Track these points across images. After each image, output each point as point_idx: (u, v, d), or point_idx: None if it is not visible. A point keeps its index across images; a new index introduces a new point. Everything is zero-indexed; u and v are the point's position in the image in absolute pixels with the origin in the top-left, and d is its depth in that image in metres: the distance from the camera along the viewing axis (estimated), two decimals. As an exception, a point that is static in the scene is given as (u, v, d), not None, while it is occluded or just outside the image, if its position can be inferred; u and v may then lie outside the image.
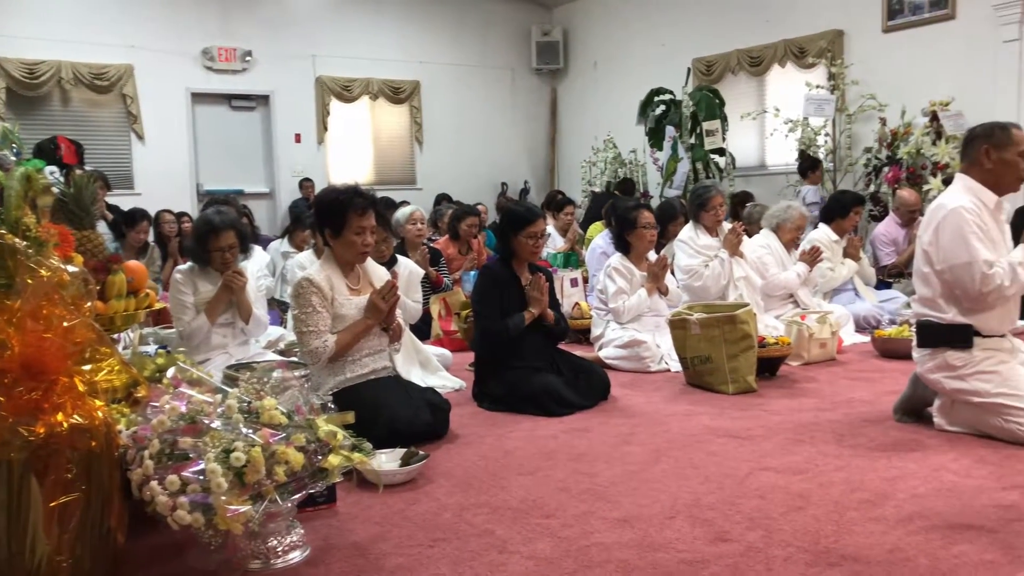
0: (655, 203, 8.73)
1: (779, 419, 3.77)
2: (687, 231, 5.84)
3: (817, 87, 9.01)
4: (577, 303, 6.14)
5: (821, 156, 9.10)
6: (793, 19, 9.80)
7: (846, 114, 9.07)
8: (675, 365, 4.83)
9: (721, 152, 9.84)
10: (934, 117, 8.05)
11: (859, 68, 9.09)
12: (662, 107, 10.12)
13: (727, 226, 5.78)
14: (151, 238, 7.63)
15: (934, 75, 8.36)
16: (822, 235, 6.12)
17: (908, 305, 5.54)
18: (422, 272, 5.58)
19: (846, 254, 6.17)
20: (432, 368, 4.73)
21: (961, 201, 3.35)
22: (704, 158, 9.71)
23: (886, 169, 8.35)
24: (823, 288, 6.12)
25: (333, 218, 3.57)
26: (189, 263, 4.46)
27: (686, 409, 4.05)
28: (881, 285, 6.67)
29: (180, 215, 8.32)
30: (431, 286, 6.10)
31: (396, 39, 12.16)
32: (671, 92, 10.12)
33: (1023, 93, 7.88)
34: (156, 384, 2.56)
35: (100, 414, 2.23)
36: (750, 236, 6.04)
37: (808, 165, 8.86)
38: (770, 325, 5.28)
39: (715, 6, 10.77)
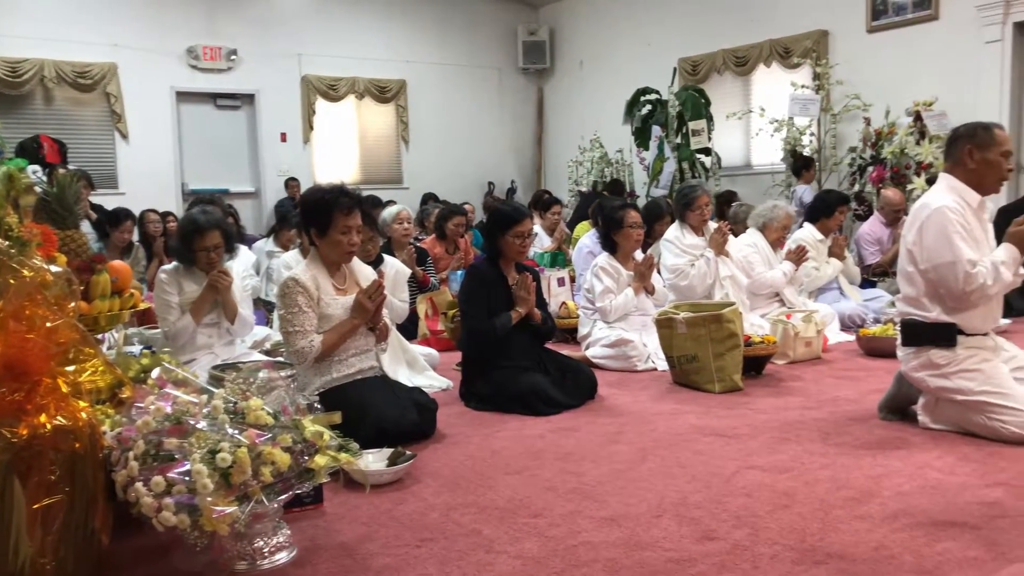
0: (642, 203, 8.75)
1: (765, 418, 3.79)
2: (673, 230, 5.86)
3: (802, 87, 9.06)
4: (564, 302, 6.15)
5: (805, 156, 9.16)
6: (778, 19, 9.85)
7: (831, 114, 9.13)
8: (662, 364, 4.84)
9: (707, 152, 9.88)
10: (918, 117, 8.12)
11: (844, 68, 9.15)
12: (648, 107, 10.15)
13: (713, 225, 5.81)
14: (136, 238, 7.58)
15: (918, 75, 8.43)
16: (807, 234, 6.15)
17: (892, 304, 5.58)
18: (409, 272, 5.57)
19: (831, 253, 6.21)
20: (419, 368, 4.72)
21: (945, 201, 3.37)
22: (690, 158, 9.74)
23: (870, 169, 8.41)
24: (808, 287, 6.15)
25: (319, 217, 3.55)
26: (174, 263, 4.44)
27: (673, 408, 4.06)
28: (866, 284, 6.71)
29: (165, 215, 8.27)
30: (418, 286, 6.09)
31: (382, 38, 12.13)
32: (657, 92, 10.15)
33: (1005, 93, 7.96)
34: (141, 385, 2.55)
35: (84, 415, 2.21)
36: (735, 235, 6.06)
37: (802, 164, 8.90)
38: (756, 324, 5.30)
39: (701, 6, 10.81)
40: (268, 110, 11.34)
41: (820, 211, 6.24)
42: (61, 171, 4.49)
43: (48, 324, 2.20)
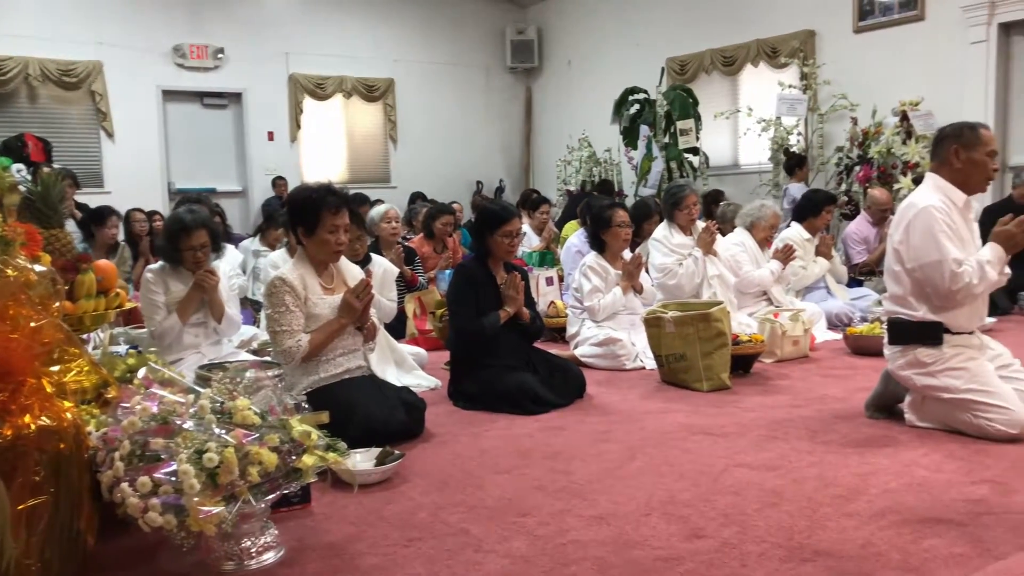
0: (630, 202, 8.77)
1: (753, 416, 3.80)
2: (661, 230, 5.87)
3: (789, 87, 9.10)
4: (553, 301, 6.15)
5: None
6: (766, 19, 9.88)
7: (818, 113, 9.16)
8: (650, 363, 4.85)
9: (695, 151, 9.90)
10: (904, 117, 8.16)
11: (831, 68, 9.19)
12: (636, 106, 10.16)
13: (701, 225, 5.82)
14: (122, 237, 7.53)
15: (904, 75, 8.47)
16: (795, 233, 6.18)
17: (879, 303, 5.60)
18: (397, 271, 5.56)
19: (818, 252, 6.23)
20: (407, 367, 4.71)
21: (931, 200, 3.39)
22: (678, 157, 9.76)
23: (857, 168, 8.44)
24: (796, 286, 6.17)
25: (306, 217, 3.54)
26: (160, 262, 4.41)
27: (661, 407, 4.07)
28: (853, 283, 6.75)
29: (151, 214, 8.23)
30: (406, 285, 6.08)
31: (370, 37, 12.11)
32: (645, 91, 10.17)
33: (990, 93, 8.01)
34: (127, 385, 2.53)
35: (69, 415, 2.20)
36: (723, 235, 6.08)
37: (795, 163, 8.93)
38: (743, 323, 5.32)
39: (689, 6, 10.84)
40: (255, 109, 11.30)
41: (807, 210, 6.26)
42: (46, 170, 4.47)
43: (32, 324, 2.18)
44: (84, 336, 3.42)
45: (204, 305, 4.37)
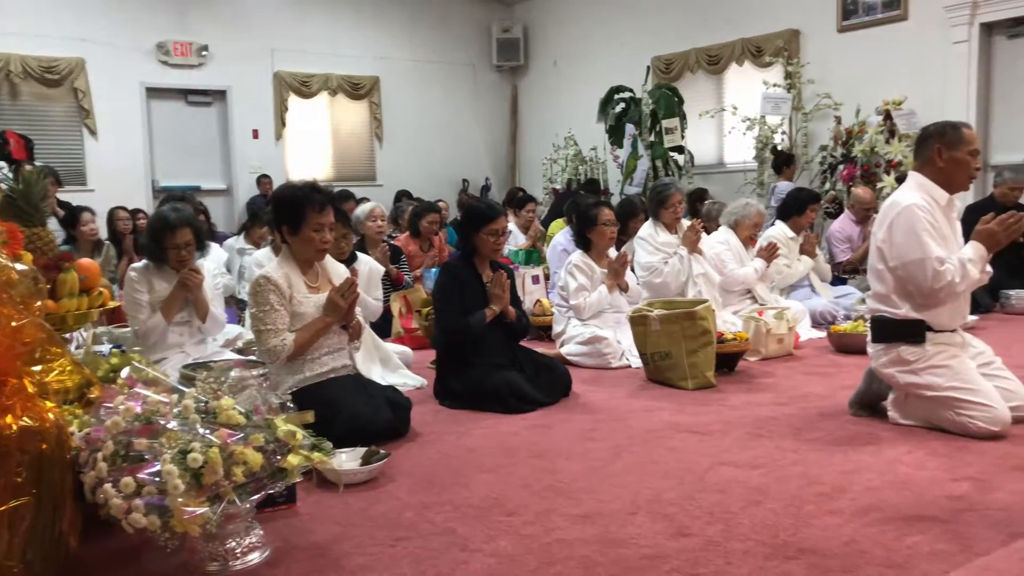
0: (615, 200, 8.78)
1: (738, 414, 3.82)
2: (647, 228, 5.89)
3: (774, 86, 9.14)
4: (539, 300, 6.16)
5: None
6: (750, 19, 9.92)
7: (802, 112, 9.22)
8: (636, 361, 4.86)
9: (680, 150, 9.92)
10: (887, 116, 8.22)
11: (815, 67, 9.24)
12: (622, 105, 10.17)
13: (686, 223, 5.84)
14: (105, 235, 7.48)
15: (887, 75, 8.54)
16: (779, 232, 6.21)
17: (863, 301, 5.64)
18: (382, 269, 5.54)
19: (802, 251, 6.27)
20: (393, 366, 4.70)
21: (914, 199, 3.41)
22: (664, 156, 9.78)
23: (841, 167, 8.49)
24: (780, 284, 6.20)
25: (291, 215, 3.52)
26: (144, 261, 4.38)
27: (647, 405, 4.08)
28: (836, 281, 6.79)
29: (135, 212, 8.17)
30: (392, 283, 6.07)
31: (355, 34, 12.06)
32: (631, 90, 10.18)
33: (972, 93, 8.08)
34: (110, 384, 2.51)
35: (51, 416, 2.18)
36: (708, 233, 6.10)
37: (783, 161, 8.97)
38: (728, 321, 5.34)
39: (674, 5, 10.86)
40: (240, 106, 11.23)
41: (791, 209, 6.29)
42: (27, 167, 4.43)
43: (14, 323, 2.16)
44: (67, 335, 3.40)
45: (188, 304, 4.35)
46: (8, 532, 2.03)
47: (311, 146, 11.97)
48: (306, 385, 3.47)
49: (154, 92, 10.71)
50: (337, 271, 3.76)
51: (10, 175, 4.72)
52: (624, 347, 5.03)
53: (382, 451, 3.12)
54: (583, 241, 5.30)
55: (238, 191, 11.30)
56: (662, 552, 2.34)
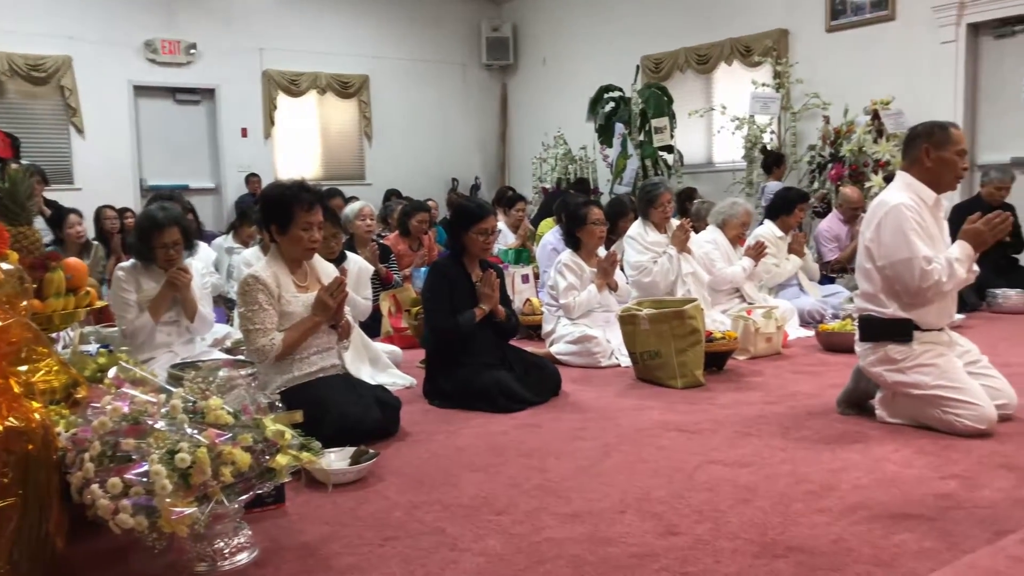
0: (605, 200, 8.79)
1: (726, 413, 3.83)
2: (636, 228, 5.90)
3: (763, 85, 9.17)
4: (528, 299, 6.16)
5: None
6: (739, 18, 9.94)
7: (791, 112, 9.25)
8: (625, 360, 4.86)
9: (669, 149, 9.94)
10: (875, 115, 8.25)
11: (803, 67, 9.27)
12: (611, 104, 10.19)
13: (675, 222, 5.85)
14: (93, 235, 7.43)
15: (875, 74, 8.57)
16: (767, 231, 6.23)
17: (851, 300, 5.67)
18: (372, 268, 5.53)
19: (791, 250, 6.29)
20: (382, 365, 4.70)
21: (901, 198, 3.43)
22: (653, 155, 9.80)
23: (829, 166, 8.52)
24: (768, 283, 6.22)
25: (279, 214, 3.51)
26: (132, 260, 4.36)
27: (636, 404, 4.09)
28: (824, 280, 6.81)
29: (123, 211, 8.13)
30: (381, 283, 6.06)
31: (344, 33, 12.03)
32: (620, 89, 10.19)
33: (959, 93, 8.13)
34: (97, 384, 2.50)
35: (37, 416, 2.16)
36: (697, 232, 6.12)
37: (772, 161, 8.99)
38: (717, 320, 5.36)
39: (663, 5, 10.88)
40: (228, 105, 11.19)
41: (780, 208, 6.32)
42: (13, 166, 4.39)
43: None
44: (53, 335, 3.38)
45: (176, 303, 4.33)
46: (-6, 533, 2.01)
47: (300, 145, 11.94)
48: (295, 385, 3.46)
49: (142, 90, 10.66)
50: (326, 270, 3.75)
51: (-4, 174, 4.69)
52: (613, 346, 5.04)
53: (371, 451, 3.12)
54: (572, 240, 5.30)
55: (226, 190, 11.26)
56: (651, 551, 2.34)
